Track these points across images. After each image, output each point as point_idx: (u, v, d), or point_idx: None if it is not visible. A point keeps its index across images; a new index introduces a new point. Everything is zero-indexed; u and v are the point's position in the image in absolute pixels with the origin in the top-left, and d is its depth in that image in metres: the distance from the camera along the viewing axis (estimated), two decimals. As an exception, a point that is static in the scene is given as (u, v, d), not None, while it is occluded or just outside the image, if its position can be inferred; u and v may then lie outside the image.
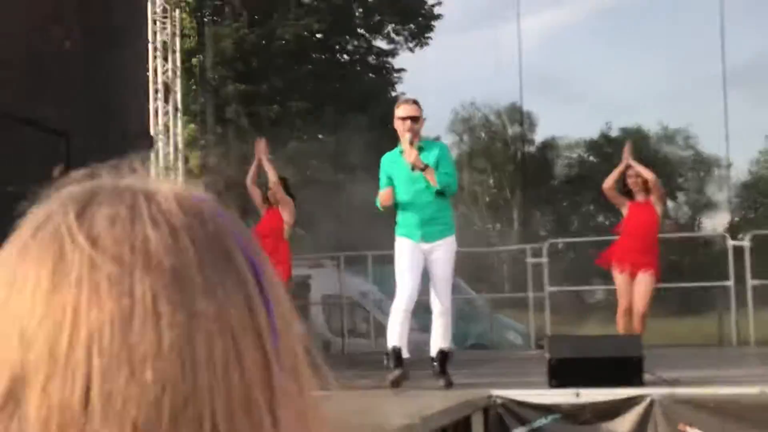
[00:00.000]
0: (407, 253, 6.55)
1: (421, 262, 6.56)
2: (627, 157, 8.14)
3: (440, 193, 6.59)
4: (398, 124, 6.65)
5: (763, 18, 26.32)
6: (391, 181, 6.62)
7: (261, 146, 8.94)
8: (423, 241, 6.53)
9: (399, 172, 6.57)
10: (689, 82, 29.16)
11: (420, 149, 6.54)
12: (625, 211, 8.14)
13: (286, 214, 8.97)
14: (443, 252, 6.62)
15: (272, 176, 8.84)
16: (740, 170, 26.32)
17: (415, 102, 6.82)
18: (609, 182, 8.17)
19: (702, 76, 29.12)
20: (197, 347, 0.53)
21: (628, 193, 8.14)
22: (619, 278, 8.00)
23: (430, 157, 6.54)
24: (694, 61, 26.80)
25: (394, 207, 6.71)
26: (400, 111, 6.68)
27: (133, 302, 0.53)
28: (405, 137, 6.50)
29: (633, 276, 8.01)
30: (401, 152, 6.59)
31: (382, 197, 6.61)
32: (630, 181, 8.10)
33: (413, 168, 6.44)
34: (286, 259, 8.76)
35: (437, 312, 6.54)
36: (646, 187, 8.04)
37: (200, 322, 0.54)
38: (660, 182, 8.24)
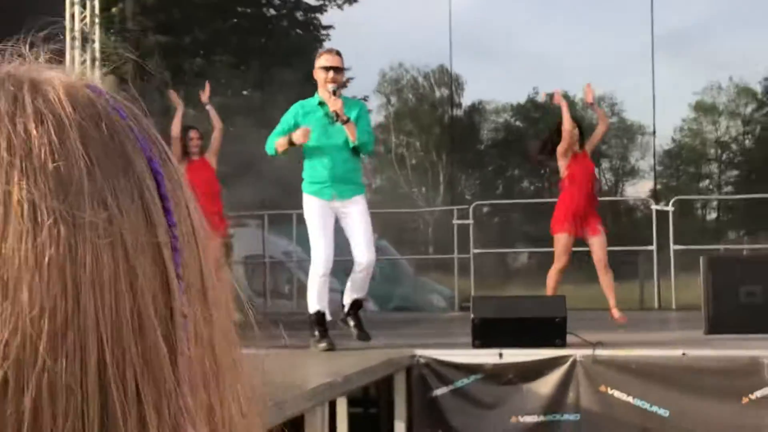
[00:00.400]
0: (318, 214, 6.25)
1: (332, 222, 6.33)
2: (591, 97, 8.15)
3: (355, 151, 6.31)
4: (319, 74, 6.34)
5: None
6: (293, 130, 6.26)
7: (206, 92, 8.68)
8: (336, 199, 6.24)
9: (315, 123, 6.27)
10: (617, 50, 29.32)
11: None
12: (565, 162, 8.03)
13: (214, 161, 8.76)
14: (359, 205, 6.39)
15: (218, 122, 8.63)
16: (664, 138, 26.66)
17: (338, 53, 6.49)
18: (572, 122, 8.05)
19: (629, 44, 29.21)
20: (82, 264, 0.46)
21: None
22: (563, 238, 7.94)
23: (350, 114, 6.23)
24: (623, 29, 26.95)
25: (303, 158, 6.43)
26: (323, 60, 6.36)
27: (7, 210, 0.45)
28: (328, 87, 6.23)
29: (578, 236, 7.97)
30: (320, 103, 6.32)
31: (280, 144, 6.23)
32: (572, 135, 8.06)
33: (336, 118, 6.15)
34: (221, 210, 8.58)
35: (365, 263, 6.26)
36: (582, 139, 8.09)
37: (87, 235, 0.46)
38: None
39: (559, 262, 7.94)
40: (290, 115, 6.37)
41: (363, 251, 6.24)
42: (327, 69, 6.28)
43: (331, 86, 6.20)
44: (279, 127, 6.35)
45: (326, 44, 22.82)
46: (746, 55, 26.70)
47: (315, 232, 6.27)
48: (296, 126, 6.23)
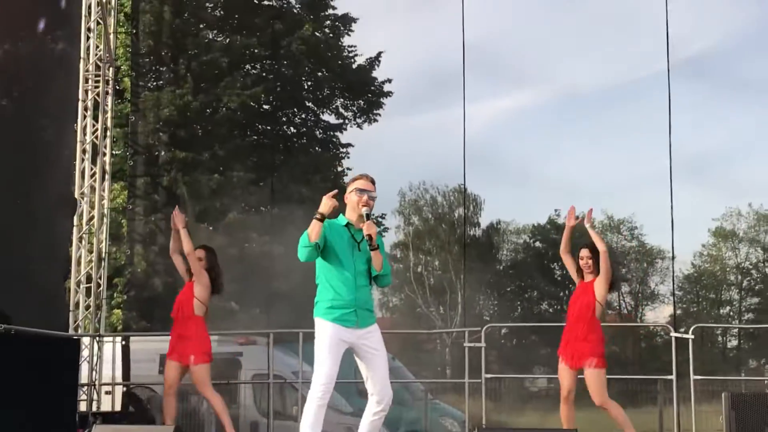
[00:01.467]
0: (335, 341, 6.04)
1: (344, 349, 6.04)
2: (588, 219, 7.92)
3: (372, 280, 6.17)
4: (353, 197, 6.17)
5: (709, 115, 26.68)
6: (320, 243, 6.03)
7: (178, 217, 8.53)
8: (357, 327, 6.04)
9: (340, 246, 6.06)
10: (636, 173, 29.29)
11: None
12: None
13: (198, 289, 8.53)
14: (378, 333, 6.13)
15: (187, 246, 8.43)
16: (684, 263, 26.35)
17: (373, 180, 6.35)
18: (563, 246, 7.87)
19: (649, 168, 29.17)
20: None
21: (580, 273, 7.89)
22: (561, 366, 7.71)
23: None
24: (642, 153, 26.93)
25: (319, 281, 6.21)
26: (360, 184, 6.25)
27: None
28: (363, 210, 6.06)
29: (574, 367, 7.70)
30: (347, 225, 6.13)
31: (312, 230, 6.01)
32: (581, 263, 7.88)
33: (369, 242, 5.96)
34: (195, 335, 8.30)
35: (387, 400, 6.05)
36: (595, 269, 7.87)
37: None
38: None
39: (562, 390, 7.64)
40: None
41: (386, 387, 6.01)
42: (362, 191, 6.11)
43: (365, 209, 6.04)
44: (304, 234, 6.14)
45: (345, 162, 22.88)
46: (766, 183, 26.57)
47: (323, 354, 6.04)
48: (324, 239, 5.98)
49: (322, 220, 5.94)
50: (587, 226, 8.07)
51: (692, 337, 10.93)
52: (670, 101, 13.25)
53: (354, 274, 6.04)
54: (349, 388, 16.27)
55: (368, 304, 6.10)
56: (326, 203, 5.97)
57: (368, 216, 6.03)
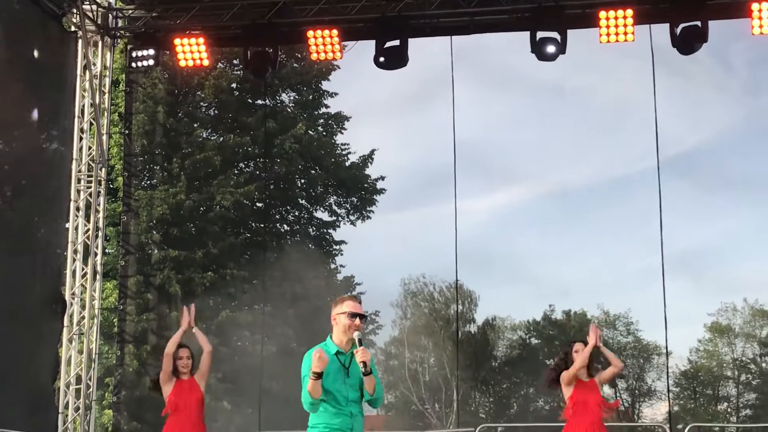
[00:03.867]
0: None
1: None
2: (597, 340, 7.81)
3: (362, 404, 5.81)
4: (342, 320, 5.90)
5: (700, 212, 26.91)
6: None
7: (189, 314, 8.40)
8: None
9: (331, 378, 5.87)
10: (629, 270, 29.36)
11: (352, 355, 5.75)
12: (569, 392, 7.69)
13: (203, 385, 8.41)
14: None
15: (206, 345, 8.33)
16: (680, 359, 26.21)
17: (360, 300, 6.17)
18: (580, 365, 7.72)
19: (642, 265, 29.29)
20: None
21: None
22: None
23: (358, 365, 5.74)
24: (634, 249, 27.05)
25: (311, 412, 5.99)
26: (348, 306, 5.81)
27: None
28: (354, 335, 5.84)
29: None
30: (337, 353, 5.91)
31: (311, 389, 5.86)
32: (576, 355, 7.74)
33: (363, 369, 5.76)
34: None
35: None
36: (589, 369, 7.75)
37: None
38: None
39: None
40: (306, 367, 5.95)
41: None
42: (353, 316, 5.90)
43: (357, 334, 5.82)
44: (303, 384, 5.93)
45: (338, 259, 22.86)
46: (759, 277, 26.62)
47: None
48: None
49: (319, 378, 5.72)
50: (600, 346, 7.98)
51: (689, 436, 10.79)
52: (661, 198, 13.30)
53: (347, 403, 5.82)
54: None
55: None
56: (318, 363, 5.71)
57: (360, 341, 5.83)
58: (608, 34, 11.28)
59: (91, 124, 12.69)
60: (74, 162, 12.28)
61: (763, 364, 25.50)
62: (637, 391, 27.03)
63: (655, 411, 26.26)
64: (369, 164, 22.62)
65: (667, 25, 11.32)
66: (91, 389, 12.61)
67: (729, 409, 25.51)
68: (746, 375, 25.63)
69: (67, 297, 12.37)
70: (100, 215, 11.99)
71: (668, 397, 23.23)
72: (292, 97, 22.01)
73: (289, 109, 21.73)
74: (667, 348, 17.06)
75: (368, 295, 23.35)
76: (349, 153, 22.63)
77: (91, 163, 12.39)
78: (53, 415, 12.14)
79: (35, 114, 11.70)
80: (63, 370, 12.48)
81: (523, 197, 33.20)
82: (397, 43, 11.66)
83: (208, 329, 18.20)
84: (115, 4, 12.89)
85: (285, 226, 22.44)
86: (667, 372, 22.39)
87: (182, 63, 12.16)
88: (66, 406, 12.46)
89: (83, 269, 11.95)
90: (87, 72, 12.59)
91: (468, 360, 26.97)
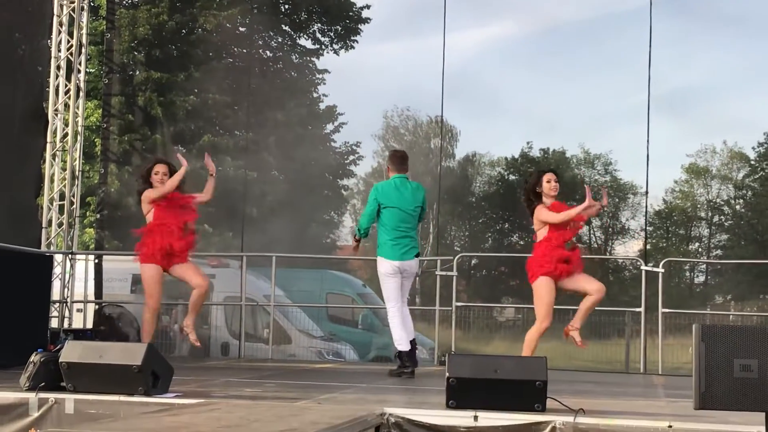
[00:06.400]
0: None
1: None
2: (596, 210, 7.91)
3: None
4: None
5: (690, 51, 26.54)
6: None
7: (211, 163, 8.43)
8: None
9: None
10: (613, 109, 29.25)
11: None
12: (545, 215, 7.79)
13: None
14: None
15: (209, 195, 8.43)
16: (655, 199, 26.48)
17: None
18: (565, 219, 7.80)
19: (626, 103, 29.17)
20: None
21: (538, 197, 7.86)
22: (544, 282, 7.66)
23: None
24: (620, 88, 26.88)
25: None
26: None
27: None
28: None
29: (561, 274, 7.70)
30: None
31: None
32: (548, 186, 7.80)
33: None
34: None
35: None
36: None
37: None
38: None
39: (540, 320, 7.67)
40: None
41: None
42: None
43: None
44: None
45: (320, 88, 22.69)
46: (742, 120, 26.64)
47: None
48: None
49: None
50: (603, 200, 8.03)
51: (662, 271, 11.02)
52: (651, 36, 13.16)
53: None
54: (320, 313, 16.43)
55: None
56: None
57: None
58: None
59: (73, -65, 12.31)
60: (56, -25, 11.98)
61: (737, 206, 25.89)
62: (611, 230, 27.49)
63: (627, 249, 26.75)
64: (355, -9, 22.20)
65: None
66: (74, 206, 12.69)
67: (700, 249, 26.02)
68: (719, 216, 26.05)
69: (50, 114, 12.28)
70: (84, 31, 11.76)
71: (645, 233, 23.63)
72: None
73: (275, -70, 21.12)
74: (647, 187, 17.25)
75: (350, 126, 23.32)
76: (335, -22, 22.17)
77: (73, -23, 12.09)
78: (36, 230, 12.26)
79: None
80: (46, 186, 12.52)
81: (512, 32, 32.74)
82: None
83: (189, 152, 18.19)
84: None
85: (268, 52, 22.15)
86: (646, 210, 22.69)
87: None
88: (49, 223, 12.57)
89: (66, 86, 11.81)
90: None
91: (446, 194, 27.20)
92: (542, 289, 7.62)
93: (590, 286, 7.73)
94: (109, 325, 12.10)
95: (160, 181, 8.18)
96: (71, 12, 12.12)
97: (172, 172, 8.24)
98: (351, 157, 23.71)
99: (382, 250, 8.45)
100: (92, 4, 16.82)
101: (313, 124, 22.56)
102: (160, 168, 8.26)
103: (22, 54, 11.59)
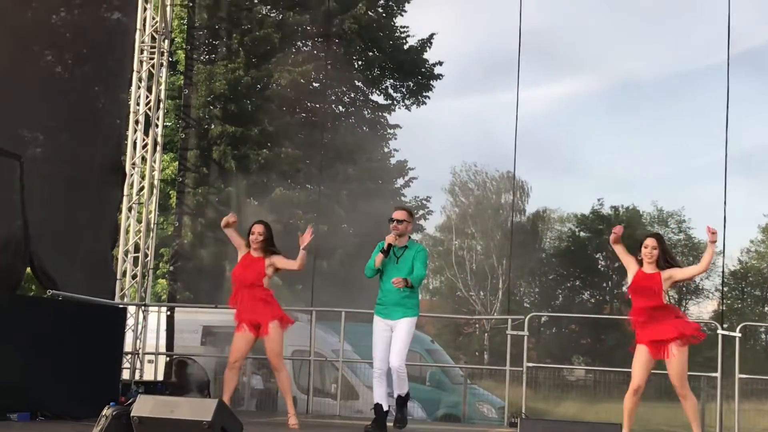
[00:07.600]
0: None
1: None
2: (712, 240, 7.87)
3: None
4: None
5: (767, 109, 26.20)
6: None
7: (307, 236, 8.60)
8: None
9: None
10: (688, 166, 28.94)
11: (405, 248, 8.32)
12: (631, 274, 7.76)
13: (281, 261, 8.77)
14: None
15: (299, 265, 8.61)
16: (730, 258, 26.03)
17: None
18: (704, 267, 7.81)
19: (701, 162, 28.83)
20: None
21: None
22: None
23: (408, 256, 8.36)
24: (695, 146, 26.61)
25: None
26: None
27: None
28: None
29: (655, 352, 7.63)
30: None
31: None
32: (645, 251, 7.76)
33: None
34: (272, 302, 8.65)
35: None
36: (657, 263, 7.78)
37: None
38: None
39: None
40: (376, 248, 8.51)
41: None
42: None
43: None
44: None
45: (392, 143, 22.82)
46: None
47: None
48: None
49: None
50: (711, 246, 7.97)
51: (740, 335, 10.78)
52: (729, 94, 12.99)
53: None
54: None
55: None
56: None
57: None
58: None
59: (155, -6, 12.63)
60: (137, 32, 12.28)
61: (814, 268, 25.31)
62: (684, 289, 27.03)
63: (701, 309, 26.26)
64: (428, 48, 22.36)
65: None
66: (148, 258, 12.87)
67: (776, 311, 25.46)
68: (796, 278, 25.49)
69: (127, 167, 12.52)
70: (162, 87, 12.03)
71: (722, 293, 23.17)
72: (352, -23, 21.68)
73: (349, -11, 21.42)
74: (724, 247, 16.90)
75: (420, 181, 23.38)
76: (408, 36, 22.37)
77: (154, 34, 12.38)
78: (111, 281, 12.45)
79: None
80: (122, 238, 12.73)
81: (586, 88, 32.69)
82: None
83: (261, 206, 18.39)
84: None
85: (340, 107, 22.38)
86: (723, 271, 22.27)
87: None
88: (123, 273, 12.76)
89: (144, 140, 12.05)
90: (150, -59, 12.48)
91: (516, 250, 27.06)
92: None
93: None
94: (180, 377, 12.18)
95: (255, 240, 8.42)
96: (150, 68, 12.40)
97: (268, 231, 8.49)
98: (421, 212, 23.75)
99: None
100: (171, 60, 17.20)
101: (383, 178, 22.66)
102: (256, 228, 8.49)
103: (101, 107, 11.87)
